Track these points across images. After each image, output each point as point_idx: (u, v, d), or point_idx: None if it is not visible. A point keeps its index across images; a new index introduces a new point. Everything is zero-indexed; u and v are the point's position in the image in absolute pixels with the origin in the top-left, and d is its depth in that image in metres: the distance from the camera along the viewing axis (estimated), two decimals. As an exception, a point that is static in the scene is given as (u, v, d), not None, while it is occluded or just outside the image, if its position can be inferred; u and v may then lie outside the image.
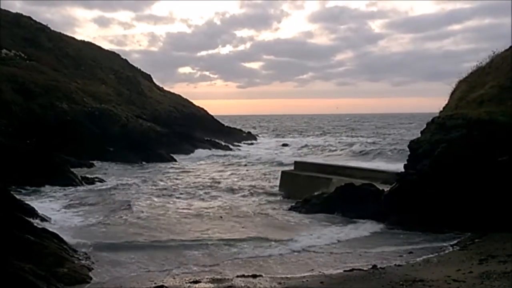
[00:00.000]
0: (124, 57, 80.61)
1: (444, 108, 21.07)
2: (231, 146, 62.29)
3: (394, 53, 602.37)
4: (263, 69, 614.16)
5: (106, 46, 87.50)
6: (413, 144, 20.25)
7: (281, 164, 42.12)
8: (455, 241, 15.98)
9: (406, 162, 20.31)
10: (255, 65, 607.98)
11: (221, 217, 21.15)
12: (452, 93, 21.36)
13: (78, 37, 73.73)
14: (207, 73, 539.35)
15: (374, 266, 12.80)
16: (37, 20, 65.06)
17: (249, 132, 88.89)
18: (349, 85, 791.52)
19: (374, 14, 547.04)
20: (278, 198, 26.13)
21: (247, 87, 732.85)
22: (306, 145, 65.07)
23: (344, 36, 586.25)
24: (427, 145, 19.11)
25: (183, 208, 23.01)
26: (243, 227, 18.99)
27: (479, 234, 15.93)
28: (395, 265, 13.10)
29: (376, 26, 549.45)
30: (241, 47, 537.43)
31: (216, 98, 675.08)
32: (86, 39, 76.24)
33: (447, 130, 18.73)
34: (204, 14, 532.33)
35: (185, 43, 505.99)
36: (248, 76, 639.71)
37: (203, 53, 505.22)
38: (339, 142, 67.49)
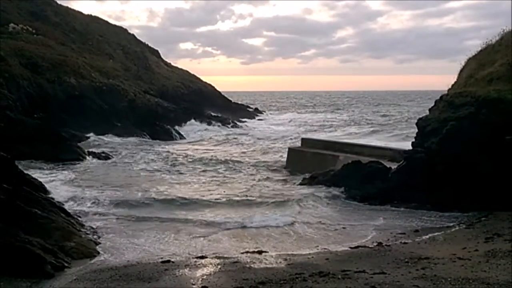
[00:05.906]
0: (131, 32, 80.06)
1: (452, 85, 20.86)
2: (238, 123, 62.20)
3: (395, 30, 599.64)
4: (265, 46, 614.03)
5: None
6: (421, 122, 20.10)
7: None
8: (461, 220, 15.94)
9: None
10: (256, 42, 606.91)
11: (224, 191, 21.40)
12: (461, 71, 21.11)
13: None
14: (209, 49, 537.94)
15: (380, 244, 12.84)
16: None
17: (256, 108, 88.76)
18: (352, 62, 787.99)
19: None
20: (284, 174, 26.08)
21: (250, 63, 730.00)
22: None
23: (343, 13, 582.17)
24: (435, 123, 18.97)
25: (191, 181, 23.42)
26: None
27: (486, 212, 15.90)
28: (400, 242, 13.11)
29: (374, 2, 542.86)
30: (241, 23, 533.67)
31: (220, 74, 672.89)
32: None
33: (455, 108, 18.57)
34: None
35: (184, 19, 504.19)
36: (251, 52, 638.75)
37: (203, 28, 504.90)
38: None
